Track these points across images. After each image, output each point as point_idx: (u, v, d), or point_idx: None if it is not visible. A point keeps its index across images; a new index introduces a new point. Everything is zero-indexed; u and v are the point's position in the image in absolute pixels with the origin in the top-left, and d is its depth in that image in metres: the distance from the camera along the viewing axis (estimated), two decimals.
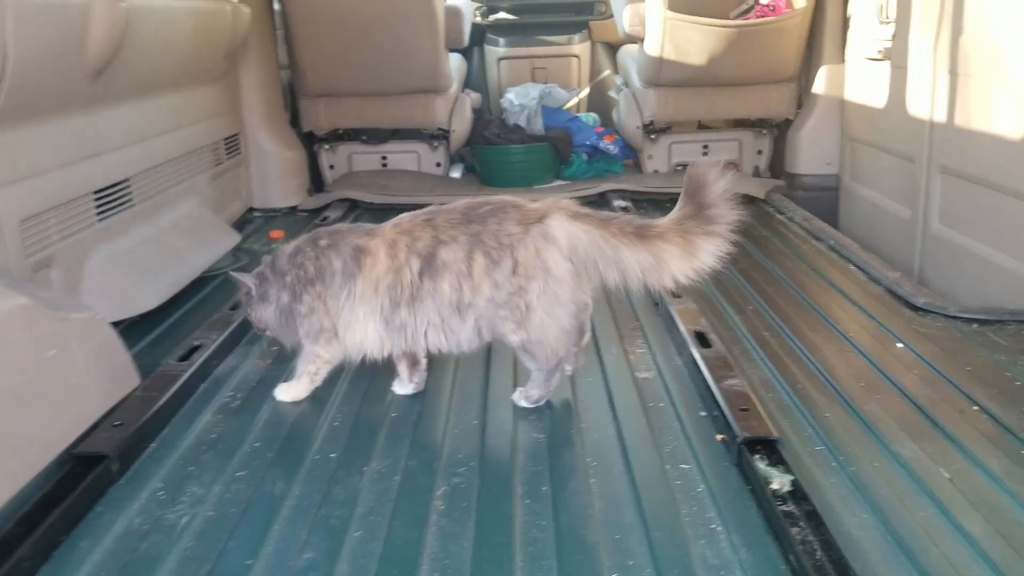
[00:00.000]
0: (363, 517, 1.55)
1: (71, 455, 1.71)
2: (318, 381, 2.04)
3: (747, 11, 3.92)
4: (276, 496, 1.63)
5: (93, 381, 1.83)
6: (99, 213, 2.55)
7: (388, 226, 1.93)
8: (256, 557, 1.44)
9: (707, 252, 1.81)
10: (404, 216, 1.94)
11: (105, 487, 1.67)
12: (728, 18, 3.96)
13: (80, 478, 1.63)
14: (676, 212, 1.83)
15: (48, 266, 2.27)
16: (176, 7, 2.95)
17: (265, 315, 2.00)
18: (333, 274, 1.89)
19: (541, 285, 1.82)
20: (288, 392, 2.04)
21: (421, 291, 1.85)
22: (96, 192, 2.53)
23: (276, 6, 4.22)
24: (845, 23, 3.89)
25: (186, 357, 2.20)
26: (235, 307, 2.45)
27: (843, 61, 3.90)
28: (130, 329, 2.47)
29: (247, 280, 2.01)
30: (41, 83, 2.17)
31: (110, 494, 1.66)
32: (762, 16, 3.90)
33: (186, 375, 2.09)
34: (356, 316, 1.89)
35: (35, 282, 2.19)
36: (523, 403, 1.97)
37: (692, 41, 3.97)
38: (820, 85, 4.02)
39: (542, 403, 1.97)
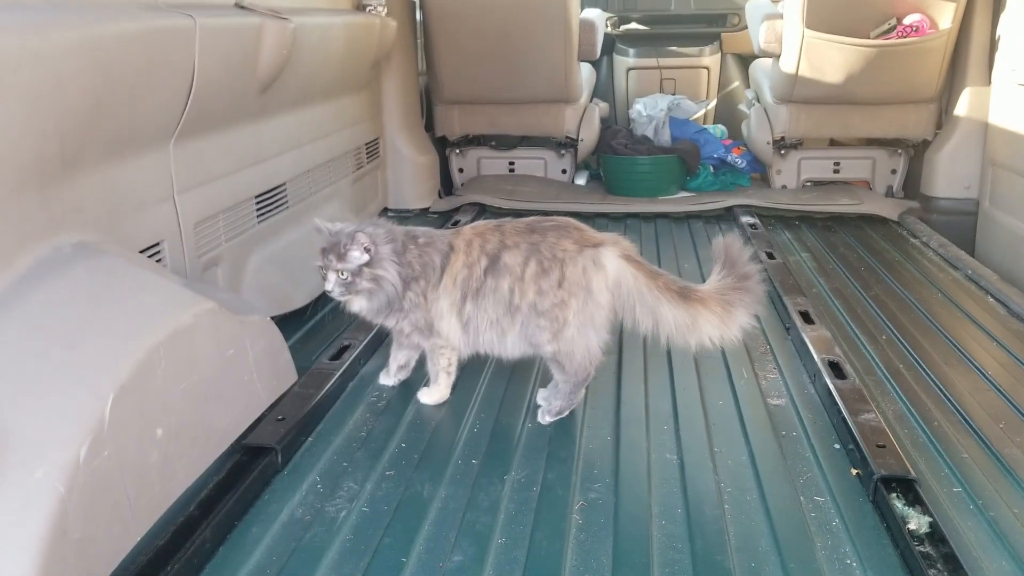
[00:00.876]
0: (506, 525, 1.65)
1: (242, 446, 1.87)
2: (453, 372, 2.17)
3: (889, 31, 3.84)
4: (424, 498, 1.75)
5: (260, 377, 1.99)
6: (259, 215, 2.74)
7: (468, 228, 2.08)
8: (409, 555, 1.56)
9: (739, 324, 1.92)
10: (480, 221, 2.11)
11: (270, 477, 1.83)
12: (868, 37, 3.89)
13: (249, 468, 1.80)
14: (717, 280, 1.94)
15: (216, 265, 2.47)
16: (333, 23, 3.13)
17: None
18: (433, 269, 2.02)
19: (580, 304, 1.95)
20: (431, 395, 2.16)
21: (484, 287, 1.99)
22: (257, 196, 2.73)
23: (418, 16, 4.38)
24: (993, 46, 3.77)
25: (337, 356, 2.36)
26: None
27: (989, 84, 3.78)
28: (280, 326, 2.64)
29: (364, 240, 1.96)
30: (218, 98, 2.36)
31: (275, 484, 1.81)
32: (904, 36, 3.81)
33: (338, 374, 2.24)
34: (441, 308, 2.03)
35: (204, 280, 2.39)
36: (547, 418, 2.05)
37: (830, 59, 3.92)
38: (963, 107, 3.90)
39: (564, 415, 2.06)
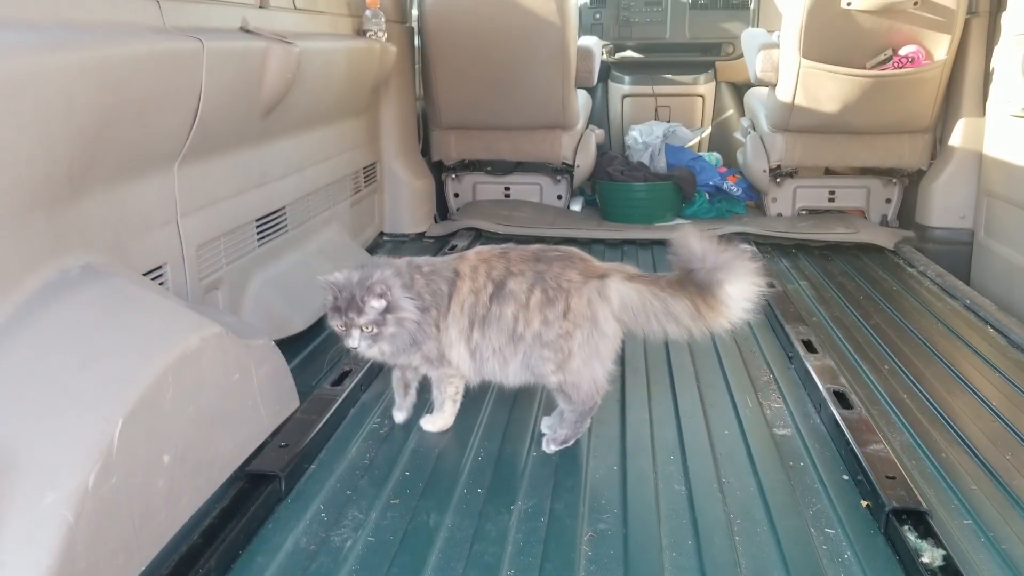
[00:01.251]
0: (515, 556, 1.63)
1: (245, 473, 1.84)
2: (458, 400, 2.15)
3: (885, 61, 3.88)
4: (431, 527, 1.72)
5: (264, 402, 1.97)
6: (259, 238, 2.73)
7: (472, 253, 2.05)
8: None
9: (728, 311, 1.85)
10: (484, 247, 2.07)
11: (274, 505, 1.80)
12: (864, 67, 3.93)
13: (253, 495, 1.77)
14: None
15: (216, 288, 2.45)
16: (335, 47, 3.14)
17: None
18: (442, 298, 1.98)
19: (585, 335, 1.93)
20: (436, 422, 2.14)
21: (490, 314, 1.96)
22: (258, 220, 2.71)
23: (416, 42, 4.40)
24: (987, 77, 3.82)
25: (338, 382, 2.33)
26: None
27: (983, 115, 3.83)
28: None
29: (378, 288, 1.89)
30: (223, 121, 2.35)
31: (278, 512, 1.78)
32: (900, 67, 3.85)
33: (339, 400, 2.22)
34: (451, 337, 1.99)
35: (206, 303, 2.37)
36: (552, 447, 2.03)
37: (826, 89, 3.96)
38: (957, 138, 3.94)
39: (570, 444, 2.03)
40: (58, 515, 1.24)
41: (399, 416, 2.19)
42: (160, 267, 2.14)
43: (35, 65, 1.52)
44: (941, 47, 3.84)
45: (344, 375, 2.38)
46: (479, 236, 4.23)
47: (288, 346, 2.66)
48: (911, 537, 1.60)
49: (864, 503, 1.79)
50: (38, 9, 1.68)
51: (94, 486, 1.31)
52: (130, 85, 1.83)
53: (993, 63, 3.76)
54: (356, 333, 1.90)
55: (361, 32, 3.64)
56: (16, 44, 1.50)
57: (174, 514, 1.58)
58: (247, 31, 2.44)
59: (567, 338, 1.92)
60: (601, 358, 1.96)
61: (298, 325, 2.75)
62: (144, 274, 2.06)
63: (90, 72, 1.67)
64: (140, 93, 1.88)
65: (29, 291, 1.52)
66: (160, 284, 2.13)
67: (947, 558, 1.54)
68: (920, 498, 1.73)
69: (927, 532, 1.62)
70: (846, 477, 1.90)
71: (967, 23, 3.86)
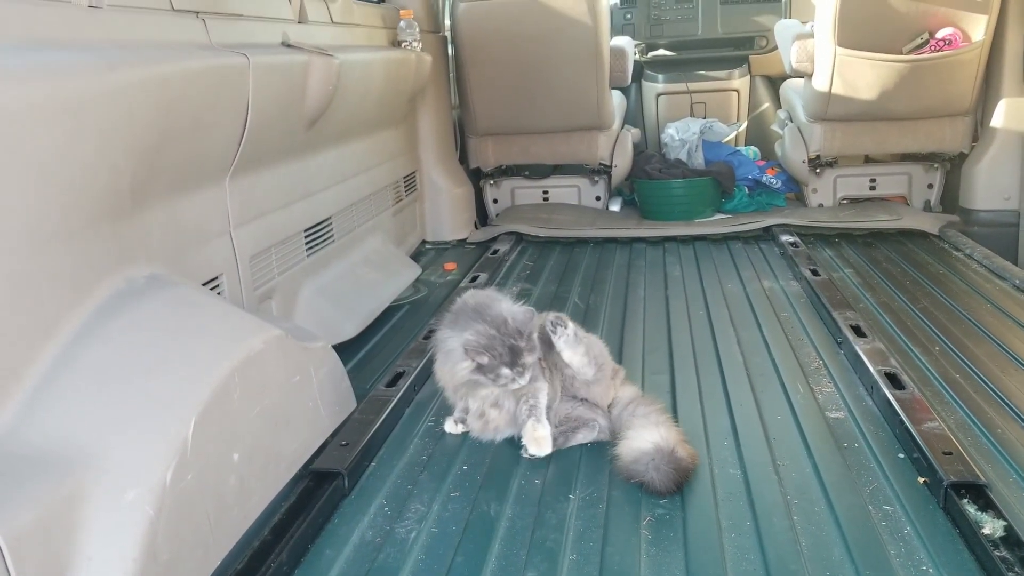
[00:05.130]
0: (576, 541, 1.66)
1: (309, 471, 1.90)
2: None
3: (922, 45, 3.85)
4: (492, 517, 1.76)
5: (324, 404, 2.02)
6: (308, 249, 2.80)
7: None
8: (482, 573, 1.57)
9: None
10: None
11: (338, 501, 1.85)
12: (901, 52, 3.91)
13: (318, 492, 1.82)
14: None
15: (270, 297, 2.51)
16: (374, 58, 3.21)
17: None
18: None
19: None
20: (546, 440, 2.02)
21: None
22: (306, 230, 2.78)
23: (450, 51, 4.46)
24: None
25: (392, 383, 2.38)
26: (429, 336, 2.44)
27: None
28: None
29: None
30: (270, 134, 2.41)
31: (343, 507, 1.83)
32: (937, 50, 3.83)
33: (395, 400, 2.27)
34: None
35: (260, 313, 2.43)
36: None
37: (863, 76, 3.94)
38: (999, 119, 3.90)
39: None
40: (140, 510, 1.30)
41: (456, 428, 2.17)
42: (216, 278, 2.21)
43: (97, 83, 1.59)
44: (978, 28, 3.81)
45: (398, 376, 2.44)
46: (520, 240, 4.26)
47: (340, 352, 2.72)
48: (971, 510, 1.60)
49: (921, 480, 1.79)
50: (94, 30, 1.76)
51: (172, 482, 1.37)
52: (184, 100, 1.90)
53: None
54: (528, 371, 1.95)
55: (396, 43, 3.70)
56: (78, 64, 1.57)
57: (245, 511, 1.64)
58: (289, 45, 2.51)
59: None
60: None
61: (349, 331, 2.81)
62: (202, 285, 2.12)
63: (148, 89, 1.74)
64: (193, 108, 1.95)
65: (100, 299, 1.59)
66: (218, 295, 2.20)
67: (1008, 528, 1.54)
68: (979, 472, 1.73)
69: (987, 504, 1.62)
70: (902, 455, 1.90)
71: (1004, 1, 3.82)
